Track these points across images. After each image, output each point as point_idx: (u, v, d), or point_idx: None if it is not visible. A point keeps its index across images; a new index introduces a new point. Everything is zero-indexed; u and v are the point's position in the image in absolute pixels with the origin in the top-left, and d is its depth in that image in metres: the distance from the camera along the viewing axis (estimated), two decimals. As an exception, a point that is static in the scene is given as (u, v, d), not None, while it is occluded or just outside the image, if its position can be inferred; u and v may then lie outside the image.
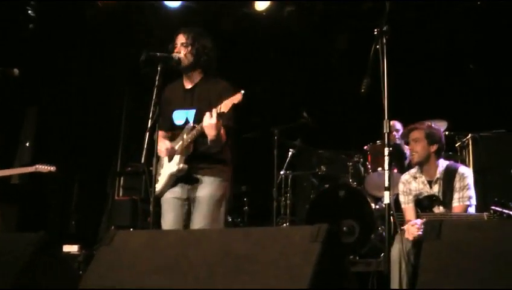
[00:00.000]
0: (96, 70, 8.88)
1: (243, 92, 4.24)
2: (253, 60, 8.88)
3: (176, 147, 4.58)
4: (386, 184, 3.52)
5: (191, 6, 8.56)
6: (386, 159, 3.57)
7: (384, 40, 3.66)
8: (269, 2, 8.60)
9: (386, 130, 3.65)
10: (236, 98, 4.25)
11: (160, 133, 4.57)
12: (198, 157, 4.59)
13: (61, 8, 8.15)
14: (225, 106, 4.27)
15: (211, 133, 4.33)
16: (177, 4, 8.58)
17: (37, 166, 6.63)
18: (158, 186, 4.62)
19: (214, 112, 4.29)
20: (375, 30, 3.69)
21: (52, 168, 6.69)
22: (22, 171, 6.75)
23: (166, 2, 8.56)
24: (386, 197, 3.53)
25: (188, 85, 4.77)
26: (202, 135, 4.45)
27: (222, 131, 4.50)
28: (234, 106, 4.26)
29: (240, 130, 4.88)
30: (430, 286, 2.52)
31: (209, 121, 4.30)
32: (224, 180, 4.64)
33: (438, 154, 5.21)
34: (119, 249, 3.15)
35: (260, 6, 8.65)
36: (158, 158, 4.46)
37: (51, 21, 7.99)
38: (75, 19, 8.43)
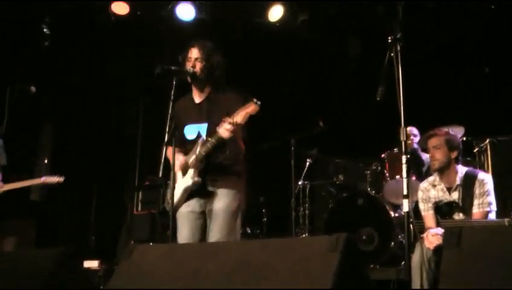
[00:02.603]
0: (111, 84, 8.92)
1: (258, 102, 4.22)
2: (267, 70, 8.88)
3: (190, 161, 4.58)
4: (405, 192, 3.51)
5: (204, 18, 8.58)
6: (404, 166, 3.56)
7: (398, 48, 3.65)
8: (282, 12, 8.62)
9: (403, 137, 3.64)
10: (250, 108, 4.23)
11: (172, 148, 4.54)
12: (213, 170, 4.58)
13: (75, 22, 8.21)
14: (241, 117, 4.25)
15: (225, 134, 4.31)
16: (190, 17, 8.62)
17: (45, 178, 6.67)
18: (172, 201, 4.60)
19: (229, 120, 4.28)
20: (389, 38, 3.68)
21: (61, 179, 6.71)
22: (30, 184, 6.77)
23: (179, 16, 8.60)
24: (405, 205, 3.51)
25: (198, 99, 4.78)
26: (217, 147, 4.46)
27: (241, 142, 4.53)
28: (249, 116, 4.25)
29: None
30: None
31: (225, 127, 4.29)
32: (239, 191, 4.63)
33: (457, 161, 5.19)
34: (138, 263, 3.15)
35: (273, 17, 8.67)
36: (174, 173, 4.46)
37: (64, 36, 8.04)
38: (88, 32, 8.48)
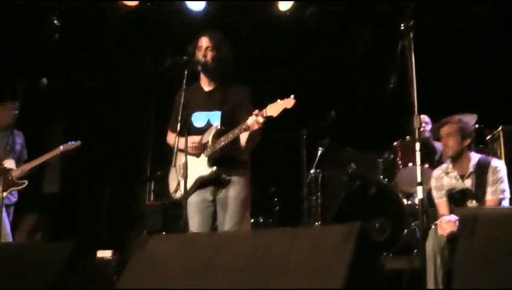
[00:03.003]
0: (121, 76, 8.92)
1: (292, 96, 4.31)
2: (277, 60, 8.84)
3: (206, 149, 4.59)
4: (419, 179, 3.49)
5: (213, 7, 8.54)
6: (418, 154, 3.53)
7: (411, 35, 3.62)
8: (292, 2, 8.58)
9: (416, 125, 3.62)
10: (289, 103, 4.31)
11: (174, 136, 4.52)
12: (225, 160, 4.61)
13: (84, 14, 8.20)
14: (274, 110, 4.32)
15: (254, 126, 4.35)
16: (201, 7, 8.58)
17: (63, 147, 6.65)
18: (183, 190, 4.62)
19: (261, 114, 4.34)
20: (402, 25, 3.65)
21: (78, 143, 6.68)
22: (50, 156, 6.77)
23: (188, 4, 8.56)
24: (420, 193, 3.49)
25: (208, 88, 4.78)
26: (237, 138, 4.50)
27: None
28: (285, 110, 4.31)
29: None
30: (467, 282, 2.48)
31: (255, 120, 4.33)
32: (247, 181, 4.70)
33: (470, 148, 5.17)
34: (152, 253, 3.15)
35: (283, 7, 8.63)
36: (186, 161, 4.46)
37: (74, 29, 8.05)
38: (98, 24, 8.48)
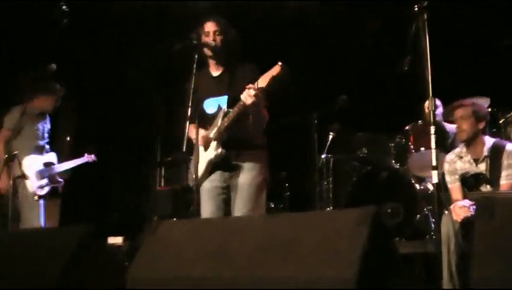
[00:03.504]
0: (131, 60, 8.89)
1: (280, 63, 4.19)
2: (287, 47, 8.76)
3: (211, 135, 4.52)
4: (434, 163, 3.44)
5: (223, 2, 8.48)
6: (433, 137, 3.49)
7: (425, 17, 3.56)
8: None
9: (431, 107, 3.57)
10: (275, 70, 4.20)
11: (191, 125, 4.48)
12: (236, 142, 4.52)
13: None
14: (263, 80, 4.21)
15: (248, 101, 4.23)
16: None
17: (87, 156, 6.93)
18: (196, 176, 4.53)
19: (252, 86, 4.22)
20: (415, 6, 3.58)
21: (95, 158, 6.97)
22: (77, 163, 6.93)
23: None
24: (435, 177, 3.44)
25: (216, 72, 4.72)
26: (239, 117, 4.39)
27: (264, 111, 4.50)
28: (273, 79, 4.20)
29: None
30: (485, 268, 2.44)
31: (247, 93, 4.22)
32: (264, 164, 4.59)
33: (484, 132, 5.11)
34: (164, 239, 3.13)
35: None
36: (198, 147, 4.43)
37: (83, 15, 8.00)
38: (106, 10, 8.44)
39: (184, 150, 4.27)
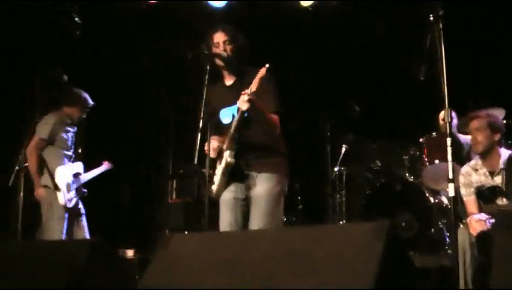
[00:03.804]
0: (141, 72, 8.88)
1: (267, 65, 4.15)
2: (300, 55, 8.72)
3: (224, 144, 4.47)
4: (450, 176, 3.37)
5: (236, 4, 8.44)
6: (449, 149, 3.42)
7: (441, 26, 3.50)
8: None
9: (447, 119, 3.51)
10: (261, 73, 4.15)
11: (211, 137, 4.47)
12: (248, 151, 4.44)
13: (105, 9, 8.16)
14: (254, 84, 4.15)
15: (243, 107, 4.16)
16: (222, 4, 8.50)
17: (106, 164, 6.88)
18: (214, 187, 4.50)
19: (245, 92, 4.15)
20: (431, 16, 3.53)
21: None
22: (100, 172, 6.89)
23: (211, 3, 8.48)
24: (451, 189, 3.37)
25: (229, 82, 4.68)
26: (242, 124, 4.33)
27: (272, 116, 4.40)
28: (262, 80, 4.14)
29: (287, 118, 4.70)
30: (505, 281, 2.38)
31: (242, 99, 4.16)
32: (281, 174, 4.48)
33: (500, 143, 5.04)
34: (175, 252, 3.08)
35: (305, 3, 8.51)
36: (211, 158, 4.39)
37: (94, 23, 8.00)
38: (119, 19, 8.43)
39: (195, 161, 4.23)
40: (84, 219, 6.54)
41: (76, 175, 6.50)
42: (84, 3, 7.55)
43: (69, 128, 6.51)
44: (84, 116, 6.62)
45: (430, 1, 3.54)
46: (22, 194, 5.52)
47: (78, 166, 6.60)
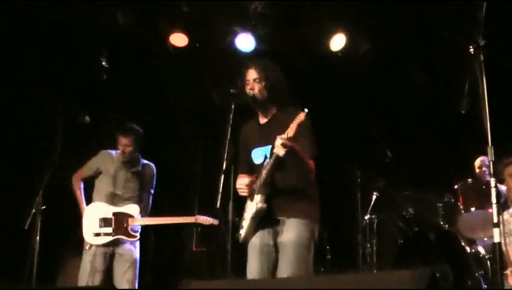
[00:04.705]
0: (169, 116, 8.79)
1: (306, 110, 4.00)
2: (331, 100, 8.55)
3: (256, 186, 4.26)
4: (495, 220, 3.11)
5: (264, 48, 8.34)
6: (493, 191, 3.17)
7: (482, 57, 3.27)
8: (344, 41, 8.32)
9: (490, 158, 3.26)
10: (300, 118, 3.98)
11: (241, 177, 4.34)
12: (279, 195, 4.24)
13: (133, 53, 8.11)
14: (291, 130, 3.98)
15: (280, 152, 4.00)
16: (250, 48, 8.41)
17: (198, 217, 6.30)
18: (242, 232, 4.33)
19: (282, 137, 3.99)
20: (471, 47, 3.31)
21: (215, 222, 6.33)
22: (182, 221, 6.44)
23: (239, 47, 8.40)
24: (496, 235, 3.10)
25: (263, 120, 4.53)
26: (276, 168, 4.15)
27: (308, 161, 4.22)
28: (300, 126, 3.98)
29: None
30: None
31: (278, 144, 4.00)
32: (312, 221, 4.27)
33: (539, 191, 4.78)
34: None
35: (335, 46, 8.39)
36: (237, 200, 4.21)
37: (122, 68, 7.96)
38: (147, 64, 8.37)
39: (218, 205, 4.04)
40: (129, 265, 6.15)
41: (118, 214, 6.13)
42: (113, 47, 7.54)
43: (122, 166, 6.28)
44: (131, 150, 6.32)
45: (471, 28, 3.32)
46: (38, 237, 5.33)
47: (131, 208, 6.22)
